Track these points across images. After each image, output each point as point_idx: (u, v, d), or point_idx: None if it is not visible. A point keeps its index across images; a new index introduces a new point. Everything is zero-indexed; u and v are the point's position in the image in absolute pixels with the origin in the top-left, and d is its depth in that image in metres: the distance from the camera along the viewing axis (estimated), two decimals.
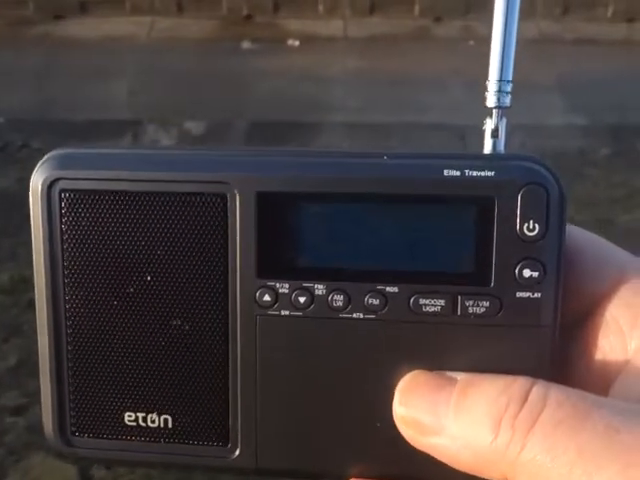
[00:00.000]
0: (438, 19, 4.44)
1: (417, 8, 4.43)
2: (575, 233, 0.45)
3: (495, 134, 0.45)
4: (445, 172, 0.42)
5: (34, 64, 3.87)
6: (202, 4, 4.41)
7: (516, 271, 0.42)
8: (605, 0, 4.37)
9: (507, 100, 0.45)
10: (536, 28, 4.06)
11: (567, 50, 3.98)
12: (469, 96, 2.70)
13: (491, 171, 0.42)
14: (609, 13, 4.34)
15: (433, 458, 0.41)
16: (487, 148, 0.45)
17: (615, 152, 3.21)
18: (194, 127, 3.40)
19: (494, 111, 0.45)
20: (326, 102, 3.65)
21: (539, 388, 0.39)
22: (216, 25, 4.30)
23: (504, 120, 0.46)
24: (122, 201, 0.44)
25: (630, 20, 4.17)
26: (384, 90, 3.70)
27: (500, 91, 0.45)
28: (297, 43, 4.17)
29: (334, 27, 4.36)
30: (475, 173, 0.42)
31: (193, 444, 0.46)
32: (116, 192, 0.44)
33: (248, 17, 4.38)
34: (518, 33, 0.45)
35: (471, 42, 4.08)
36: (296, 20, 4.40)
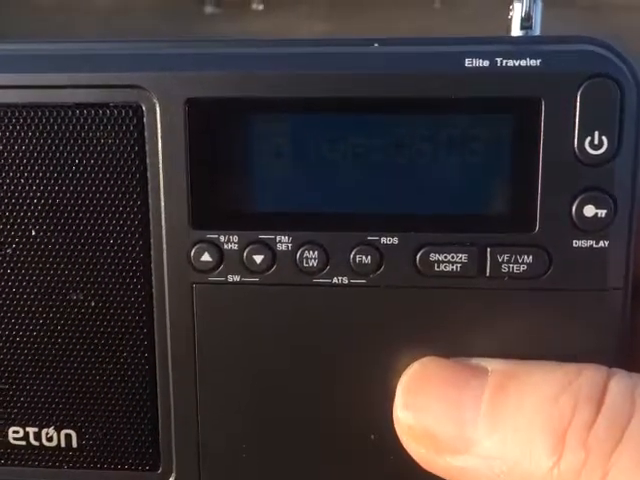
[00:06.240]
0: None
1: None
2: None
3: (527, 23, 0.33)
4: (467, 62, 0.29)
5: None
6: None
7: (573, 209, 0.30)
8: None
9: None
10: None
11: None
12: None
13: (535, 59, 0.29)
14: None
15: None
16: None
17: None
18: None
19: None
20: None
21: (620, 383, 0.27)
22: None
23: (539, 4, 0.34)
24: None
25: None
26: None
27: None
28: (261, 7, 4.07)
29: None
30: (512, 63, 0.29)
31: (108, 469, 0.33)
32: None
33: None
34: None
35: (437, 5, 4.05)
36: None
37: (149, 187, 0.31)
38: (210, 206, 0.31)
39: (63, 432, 0.33)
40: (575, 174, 0.30)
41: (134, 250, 0.31)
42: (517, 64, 0.29)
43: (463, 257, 0.31)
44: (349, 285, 0.31)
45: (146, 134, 0.31)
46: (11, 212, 0.31)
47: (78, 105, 0.30)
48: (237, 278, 0.32)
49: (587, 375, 0.28)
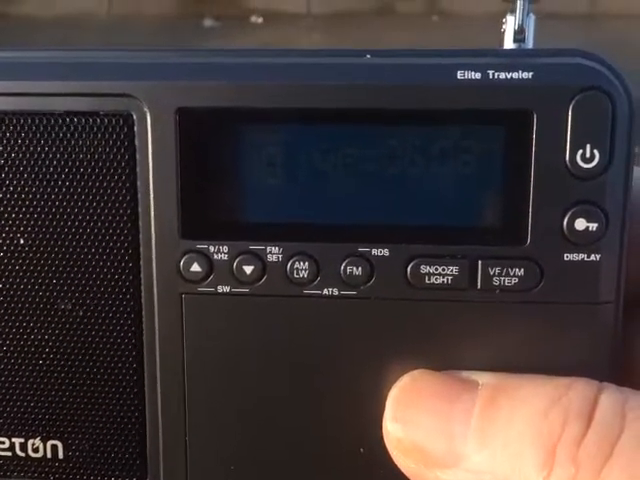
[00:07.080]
0: None
1: None
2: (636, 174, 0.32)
3: (520, 36, 0.33)
4: (459, 74, 0.29)
5: None
6: None
7: (564, 222, 0.30)
8: None
9: None
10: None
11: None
12: None
13: (528, 72, 0.28)
14: None
15: None
16: None
17: None
18: None
19: (518, 3, 0.33)
20: None
21: (611, 397, 0.27)
22: (177, 2, 4.21)
23: (532, 18, 0.34)
24: None
25: None
26: None
27: None
28: (260, 20, 4.08)
29: (298, 3, 4.29)
30: (504, 75, 0.29)
31: None
32: None
33: None
34: None
35: (435, 17, 4.07)
36: None
37: (139, 196, 0.31)
38: (200, 216, 0.31)
39: (49, 443, 0.33)
40: (566, 187, 0.30)
41: (123, 259, 0.31)
42: (509, 77, 0.29)
43: (454, 269, 0.30)
44: (339, 297, 0.31)
45: (137, 143, 0.30)
46: None
47: (68, 113, 0.30)
48: (227, 289, 0.31)
49: (577, 389, 0.28)
